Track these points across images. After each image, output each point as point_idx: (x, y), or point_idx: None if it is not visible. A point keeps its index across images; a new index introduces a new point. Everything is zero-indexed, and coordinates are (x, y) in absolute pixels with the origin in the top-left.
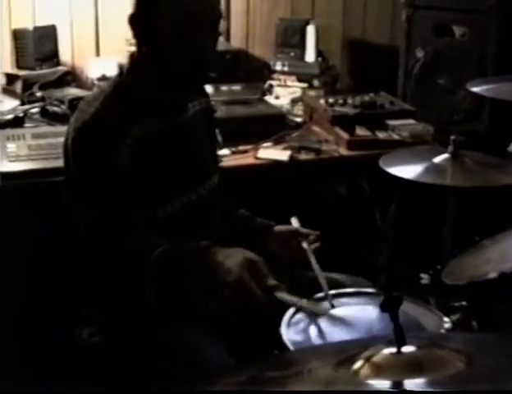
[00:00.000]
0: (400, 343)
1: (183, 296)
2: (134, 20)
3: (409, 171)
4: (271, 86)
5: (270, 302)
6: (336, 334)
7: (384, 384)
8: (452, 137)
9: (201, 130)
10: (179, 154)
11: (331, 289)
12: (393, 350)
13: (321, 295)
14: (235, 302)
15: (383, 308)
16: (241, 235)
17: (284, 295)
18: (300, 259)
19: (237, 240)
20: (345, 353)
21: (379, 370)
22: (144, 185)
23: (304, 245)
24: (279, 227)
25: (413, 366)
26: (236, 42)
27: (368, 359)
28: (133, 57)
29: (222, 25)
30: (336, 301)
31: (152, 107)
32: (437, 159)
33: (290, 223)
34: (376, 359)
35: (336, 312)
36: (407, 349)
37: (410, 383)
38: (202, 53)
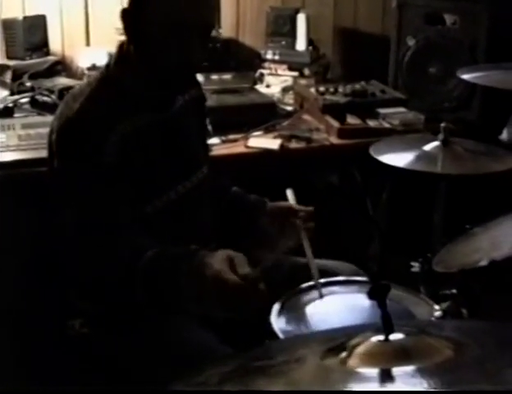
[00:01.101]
0: (387, 331)
1: (173, 299)
2: (125, 16)
3: (399, 159)
4: (261, 75)
5: (256, 296)
6: (326, 322)
7: (372, 372)
8: (442, 125)
9: (190, 121)
10: (166, 149)
11: (321, 276)
12: (381, 337)
13: (310, 283)
14: (218, 295)
15: (371, 296)
16: (234, 211)
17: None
18: (293, 237)
19: (230, 217)
20: (333, 341)
21: (367, 358)
22: (131, 182)
23: (298, 223)
24: (273, 204)
25: (402, 354)
26: (227, 31)
27: (355, 347)
28: (121, 49)
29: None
30: (326, 289)
31: (139, 102)
32: (428, 147)
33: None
34: (364, 347)
35: (326, 300)
36: (395, 337)
37: (398, 371)
38: (188, 58)
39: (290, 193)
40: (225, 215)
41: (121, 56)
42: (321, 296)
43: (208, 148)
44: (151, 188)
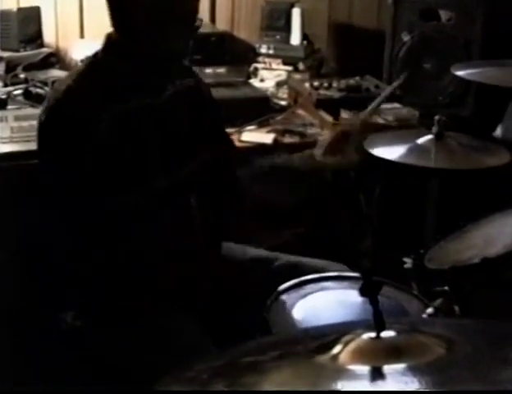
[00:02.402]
0: (379, 328)
1: None
2: (111, 4)
3: (392, 152)
4: (256, 69)
5: None
6: (319, 318)
7: (363, 370)
8: (436, 117)
9: (182, 111)
10: (155, 135)
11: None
12: (372, 335)
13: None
14: None
15: (363, 293)
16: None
17: None
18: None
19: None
20: (324, 337)
21: (358, 355)
22: (121, 166)
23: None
24: None
25: (393, 352)
26: (221, 24)
27: (347, 344)
28: (109, 38)
29: (207, 8)
30: (319, 285)
31: (127, 86)
32: (421, 140)
33: None
34: (355, 344)
35: (318, 296)
36: (387, 334)
37: (389, 369)
38: (173, 47)
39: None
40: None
41: (109, 44)
42: None
43: (207, 137)
44: (141, 173)
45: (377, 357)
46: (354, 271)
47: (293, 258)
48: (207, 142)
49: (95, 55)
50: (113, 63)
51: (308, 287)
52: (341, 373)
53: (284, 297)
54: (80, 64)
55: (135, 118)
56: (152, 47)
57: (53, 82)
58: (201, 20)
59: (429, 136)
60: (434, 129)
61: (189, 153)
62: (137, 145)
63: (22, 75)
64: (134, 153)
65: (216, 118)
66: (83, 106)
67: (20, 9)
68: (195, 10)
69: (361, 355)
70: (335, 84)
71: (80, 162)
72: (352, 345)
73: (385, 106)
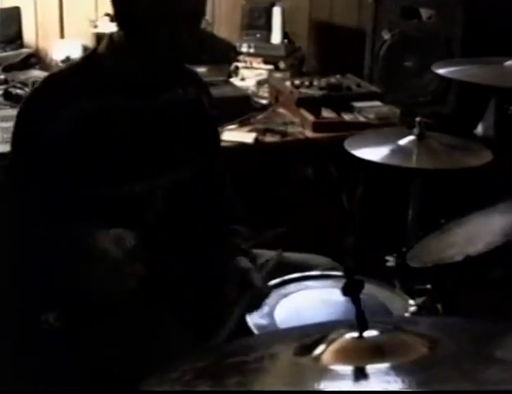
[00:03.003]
0: (361, 328)
1: None
2: (116, 2)
3: (374, 153)
4: (236, 68)
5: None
6: (301, 318)
7: (346, 370)
8: (418, 119)
9: (172, 122)
10: (132, 139)
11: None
12: (355, 334)
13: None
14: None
15: (345, 292)
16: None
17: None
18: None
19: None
20: (307, 337)
21: (341, 355)
22: (81, 163)
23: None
24: None
25: (376, 351)
26: (202, 23)
27: (329, 344)
28: (111, 38)
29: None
30: (301, 284)
31: (115, 83)
32: (403, 141)
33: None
34: (338, 344)
35: (301, 295)
36: (369, 333)
37: (372, 369)
38: (178, 46)
39: None
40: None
41: (111, 43)
42: None
43: (196, 153)
44: (108, 173)
45: (360, 357)
46: (338, 263)
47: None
48: (192, 157)
49: (94, 50)
50: (110, 58)
51: (291, 286)
52: (324, 373)
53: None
54: (60, 65)
55: (110, 117)
56: (156, 46)
57: (34, 83)
58: (207, 21)
59: (411, 137)
60: (416, 130)
61: (171, 163)
62: (107, 144)
63: (2, 76)
64: (102, 151)
65: (211, 133)
66: (55, 95)
67: (0, 9)
68: (201, 9)
69: (344, 355)
70: (316, 83)
71: (43, 155)
72: (335, 346)
73: (366, 104)
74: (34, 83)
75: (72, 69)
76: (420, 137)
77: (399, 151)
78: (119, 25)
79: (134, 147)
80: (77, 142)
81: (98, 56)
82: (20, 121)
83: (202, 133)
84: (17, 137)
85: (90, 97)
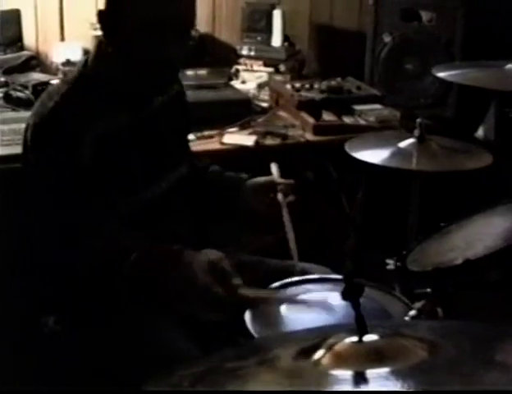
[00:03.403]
0: (361, 332)
1: (159, 299)
2: (102, 18)
3: (374, 155)
4: (237, 71)
5: (235, 302)
6: (301, 321)
7: (345, 374)
8: (418, 120)
9: (169, 120)
10: (142, 149)
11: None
12: (355, 339)
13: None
14: (202, 306)
15: (344, 296)
16: (213, 190)
17: (247, 291)
18: (274, 213)
19: (209, 197)
20: (306, 342)
21: (341, 360)
22: (105, 182)
23: (279, 197)
24: (253, 180)
25: (376, 356)
26: (202, 26)
27: (329, 348)
28: (100, 47)
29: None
30: (301, 288)
31: (115, 102)
32: (403, 144)
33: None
34: (337, 348)
35: (301, 298)
36: (369, 338)
37: (372, 373)
38: (167, 59)
39: (274, 167)
40: (204, 196)
41: (99, 54)
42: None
43: (187, 144)
44: (126, 187)
45: (360, 361)
46: (336, 273)
47: (278, 263)
48: (186, 151)
49: (85, 65)
50: (103, 76)
51: (291, 290)
52: (324, 377)
53: None
54: (61, 68)
55: (120, 135)
56: (146, 58)
57: (34, 86)
58: (197, 31)
59: (411, 139)
60: (416, 132)
61: (174, 163)
62: (122, 162)
63: (2, 79)
64: (119, 169)
65: (190, 125)
66: (69, 127)
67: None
68: (191, 19)
69: (343, 360)
70: (316, 86)
71: (66, 181)
72: (334, 350)
73: (366, 107)
74: (34, 86)
75: (72, 98)
76: (420, 140)
77: (399, 153)
78: (107, 39)
79: (141, 157)
80: (97, 166)
81: (92, 73)
82: (33, 156)
83: (188, 125)
84: (33, 173)
85: (98, 121)
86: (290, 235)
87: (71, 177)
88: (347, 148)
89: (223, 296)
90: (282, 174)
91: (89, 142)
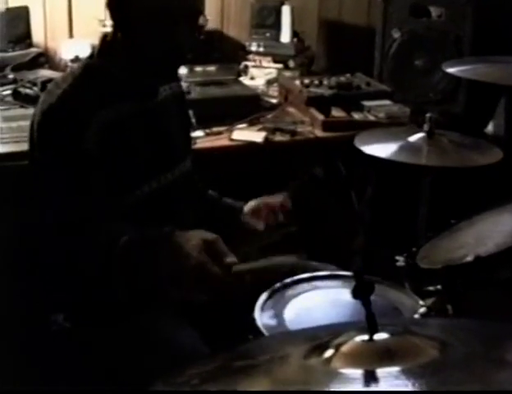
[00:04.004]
0: (372, 331)
1: (151, 284)
2: (111, 5)
3: (383, 149)
4: (246, 67)
5: (231, 280)
6: (311, 318)
7: (356, 373)
8: (428, 115)
9: (172, 114)
10: (148, 139)
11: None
12: (365, 337)
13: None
14: (198, 284)
15: (355, 295)
16: (210, 215)
17: (241, 266)
18: (274, 229)
19: (206, 222)
20: (316, 340)
21: (351, 358)
22: (111, 171)
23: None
24: (248, 205)
25: (386, 354)
26: (211, 22)
27: (339, 347)
28: (105, 39)
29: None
30: (311, 284)
31: (122, 90)
32: (413, 138)
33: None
34: (347, 346)
35: (310, 295)
36: (380, 336)
37: (383, 372)
38: (175, 45)
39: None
40: (201, 220)
41: (105, 46)
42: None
43: (190, 141)
44: (130, 177)
45: (370, 360)
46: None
47: (287, 260)
48: (189, 143)
49: (91, 56)
50: (110, 65)
51: (300, 287)
52: (334, 376)
53: (275, 297)
54: (70, 64)
55: (127, 124)
56: (155, 46)
57: (43, 83)
58: (206, 19)
59: (421, 134)
60: (425, 127)
61: (178, 155)
62: (128, 150)
63: (11, 76)
64: (125, 158)
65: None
66: (76, 113)
67: (8, 9)
68: (199, 7)
69: (354, 359)
70: (325, 82)
71: (71, 168)
72: (345, 349)
73: (376, 103)
74: (43, 83)
75: (79, 85)
76: (430, 134)
77: (408, 148)
78: (115, 27)
79: (147, 146)
80: (99, 155)
81: (98, 64)
82: (40, 143)
83: (189, 125)
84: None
85: (105, 108)
86: None
87: (76, 164)
88: (356, 142)
89: (219, 275)
90: (291, 171)
91: (95, 130)
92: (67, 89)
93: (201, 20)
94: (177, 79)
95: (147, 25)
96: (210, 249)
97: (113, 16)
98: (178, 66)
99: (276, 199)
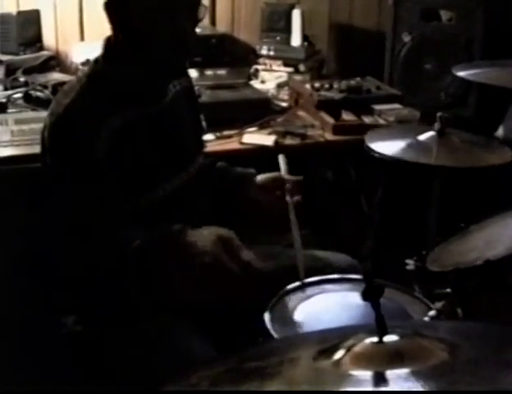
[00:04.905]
0: (381, 333)
1: (166, 286)
2: (109, 7)
3: (393, 148)
4: (256, 71)
5: (247, 276)
6: (321, 321)
7: (365, 375)
8: (438, 114)
9: (182, 112)
10: (158, 142)
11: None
12: (375, 339)
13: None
14: (212, 283)
15: (365, 297)
16: (221, 186)
17: (261, 265)
18: (281, 212)
19: (218, 192)
20: (326, 342)
21: (360, 360)
22: (122, 177)
23: (287, 198)
24: (262, 176)
25: (396, 356)
26: (222, 26)
27: (349, 349)
28: (109, 43)
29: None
30: (320, 287)
31: (130, 95)
32: (423, 137)
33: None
34: (357, 349)
35: (320, 298)
36: (389, 338)
37: (392, 374)
38: (178, 39)
39: (281, 159)
40: (212, 192)
41: (110, 49)
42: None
43: (202, 139)
44: (143, 181)
45: (380, 362)
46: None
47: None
48: (200, 143)
49: (96, 62)
50: (115, 70)
51: (310, 290)
52: (344, 378)
53: (285, 300)
54: (80, 68)
55: (136, 129)
56: (158, 40)
57: (54, 86)
58: (205, 8)
59: (431, 133)
60: (436, 125)
61: (192, 153)
62: (139, 155)
63: (22, 79)
64: (136, 163)
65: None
66: (85, 123)
67: (19, 12)
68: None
69: (363, 360)
70: (336, 86)
71: (83, 178)
72: (354, 351)
73: (386, 106)
74: (54, 86)
75: (86, 95)
76: (440, 133)
77: (418, 147)
78: (116, 29)
79: (158, 149)
80: (113, 160)
81: (103, 70)
82: (56, 154)
83: (199, 117)
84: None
85: (113, 116)
86: (296, 236)
87: (89, 174)
88: (366, 139)
89: (235, 271)
90: (301, 173)
91: (105, 138)
92: (74, 98)
93: (201, 13)
94: (186, 74)
95: (147, 20)
96: (225, 245)
97: (112, 18)
98: (185, 60)
99: (292, 177)
